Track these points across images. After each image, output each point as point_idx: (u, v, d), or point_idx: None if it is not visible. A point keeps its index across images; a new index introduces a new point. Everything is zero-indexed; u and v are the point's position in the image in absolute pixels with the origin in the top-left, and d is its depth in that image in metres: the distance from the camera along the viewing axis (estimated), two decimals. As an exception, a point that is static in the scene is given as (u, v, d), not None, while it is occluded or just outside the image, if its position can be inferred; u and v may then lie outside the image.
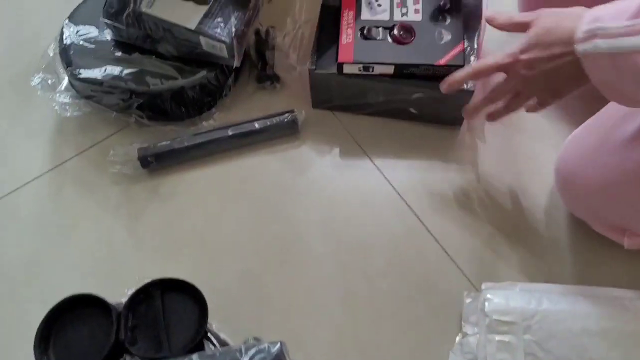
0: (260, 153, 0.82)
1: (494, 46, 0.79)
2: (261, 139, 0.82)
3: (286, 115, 0.81)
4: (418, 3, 0.75)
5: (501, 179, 0.78)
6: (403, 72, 0.73)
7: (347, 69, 0.73)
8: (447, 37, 0.72)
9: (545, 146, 0.80)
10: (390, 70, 0.73)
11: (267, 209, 0.78)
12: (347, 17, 0.74)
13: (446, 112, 0.78)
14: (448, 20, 0.73)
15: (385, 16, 0.74)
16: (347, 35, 0.73)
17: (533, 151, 0.79)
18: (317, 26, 0.77)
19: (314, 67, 0.75)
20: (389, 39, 0.73)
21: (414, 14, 0.74)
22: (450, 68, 0.71)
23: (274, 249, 0.74)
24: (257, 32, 0.87)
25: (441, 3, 0.74)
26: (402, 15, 0.74)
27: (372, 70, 0.73)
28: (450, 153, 0.80)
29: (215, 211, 0.78)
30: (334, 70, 0.73)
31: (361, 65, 0.72)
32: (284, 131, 0.81)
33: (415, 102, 0.77)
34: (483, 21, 0.76)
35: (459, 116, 0.78)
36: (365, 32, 0.73)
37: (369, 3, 0.75)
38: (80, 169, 0.82)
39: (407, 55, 0.71)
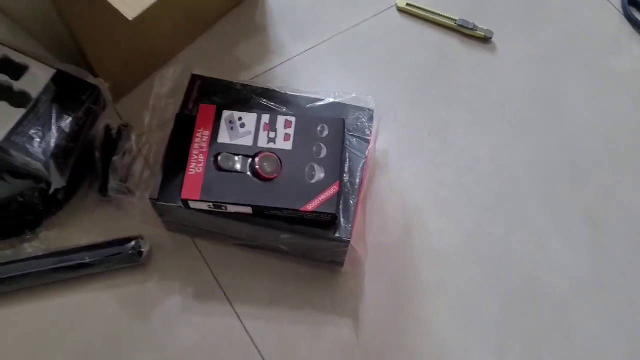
0: (93, 287, 0.67)
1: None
2: (95, 272, 0.67)
3: (129, 244, 0.66)
4: (290, 127, 0.62)
5: (384, 339, 0.66)
6: (264, 213, 0.60)
7: (194, 205, 0.60)
8: (319, 173, 0.60)
9: (435, 304, 0.68)
10: (247, 210, 0.60)
11: (89, 368, 0.63)
12: (201, 138, 0.61)
13: (322, 255, 0.66)
14: (323, 152, 0.61)
15: (247, 140, 0.62)
16: (197, 164, 0.60)
17: (421, 308, 0.68)
18: (168, 142, 0.64)
19: (155, 197, 0.61)
20: (249, 172, 0.60)
21: (283, 140, 0.62)
22: (320, 215, 0.59)
23: None
24: (107, 130, 0.73)
25: (318, 128, 0.63)
26: (269, 141, 0.62)
27: (226, 209, 0.60)
28: (328, 301, 0.68)
29: (23, 368, 0.63)
30: (179, 203, 0.60)
31: (211, 203, 0.59)
32: (124, 263, 0.67)
33: (285, 242, 0.64)
34: (370, 148, 0.65)
35: (338, 259, 0.66)
36: (219, 160, 0.60)
37: (230, 121, 0.62)
38: None
39: (269, 195, 0.59)
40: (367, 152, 0.64)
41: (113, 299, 0.67)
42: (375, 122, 0.66)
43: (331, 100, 0.67)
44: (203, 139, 0.61)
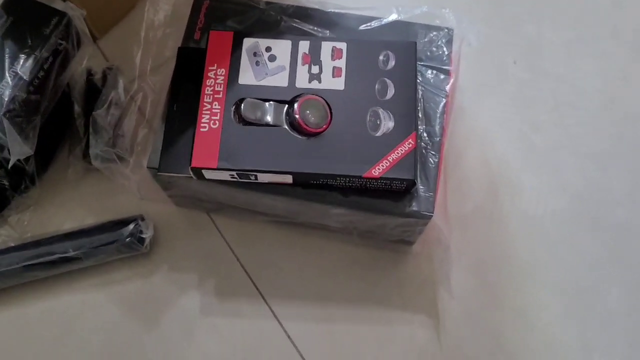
0: (84, 286, 0.53)
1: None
2: (84, 266, 0.52)
3: (125, 229, 0.51)
4: (340, 57, 0.46)
5: (474, 340, 0.51)
6: (309, 183, 0.44)
7: (210, 175, 0.44)
8: (387, 122, 0.44)
9: (539, 290, 0.53)
10: (287, 179, 0.44)
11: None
12: (214, 79, 0.45)
13: (387, 235, 0.50)
14: (390, 91, 0.45)
15: (281, 79, 0.45)
16: (212, 116, 0.44)
17: (521, 297, 0.53)
18: (170, 88, 0.47)
19: (155, 166, 0.45)
20: (286, 125, 0.44)
21: (331, 77, 0.45)
22: (391, 182, 0.43)
23: None
24: (89, 76, 0.57)
25: (381, 57, 0.46)
26: (312, 78, 0.45)
27: (256, 178, 0.44)
28: (395, 293, 0.53)
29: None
30: (189, 173, 0.44)
31: (235, 172, 0.43)
32: (122, 254, 0.52)
33: (337, 219, 0.49)
34: (452, 83, 0.48)
35: (409, 238, 0.50)
36: (243, 109, 0.44)
37: (255, 54, 0.46)
38: None
39: (316, 156, 0.43)
40: (448, 88, 0.47)
41: (110, 300, 0.53)
42: (456, 45, 0.49)
43: (394, 17, 0.49)
44: (218, 81, 0.45)
